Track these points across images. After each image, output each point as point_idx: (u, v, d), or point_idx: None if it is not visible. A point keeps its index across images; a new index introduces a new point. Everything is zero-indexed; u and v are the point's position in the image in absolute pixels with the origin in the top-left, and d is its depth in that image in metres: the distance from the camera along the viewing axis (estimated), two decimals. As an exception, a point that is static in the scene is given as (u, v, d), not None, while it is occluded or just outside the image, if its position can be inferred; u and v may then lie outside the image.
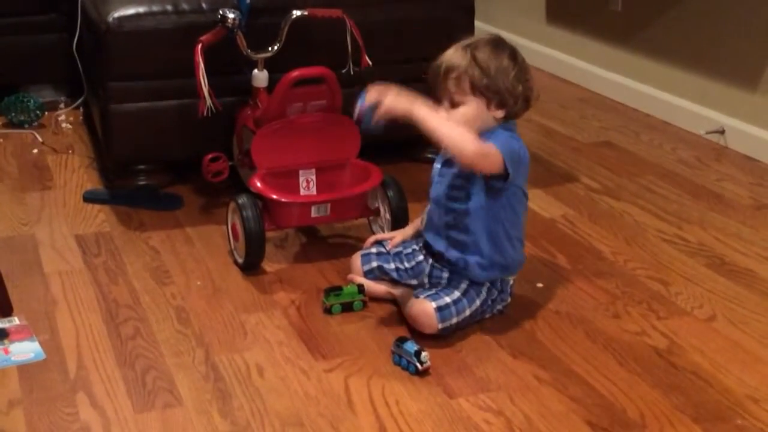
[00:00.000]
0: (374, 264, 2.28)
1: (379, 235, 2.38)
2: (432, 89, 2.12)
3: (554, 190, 2.98)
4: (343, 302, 2.20)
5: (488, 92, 2.07)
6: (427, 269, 2.21)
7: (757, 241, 2.63)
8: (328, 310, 2.21)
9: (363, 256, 2.31)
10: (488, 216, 2.12)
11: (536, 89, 2.13)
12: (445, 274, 2.19)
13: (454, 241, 2.16)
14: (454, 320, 2.11)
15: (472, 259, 2.14)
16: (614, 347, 2.10)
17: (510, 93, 2.08)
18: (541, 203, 2.87)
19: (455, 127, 2.03)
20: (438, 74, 2.09)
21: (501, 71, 2.07)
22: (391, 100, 2.01)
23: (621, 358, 2.06)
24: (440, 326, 2.09)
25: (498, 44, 2.11)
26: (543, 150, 3.35)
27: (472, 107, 2.08)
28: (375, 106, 2.01)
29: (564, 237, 2.66)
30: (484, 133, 2.06)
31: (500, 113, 2.10)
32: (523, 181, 2.15)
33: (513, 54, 2.11)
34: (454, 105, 2.09)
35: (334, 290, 2.22)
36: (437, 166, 2.20)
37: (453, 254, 2.16)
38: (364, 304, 2.22)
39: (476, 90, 2.07)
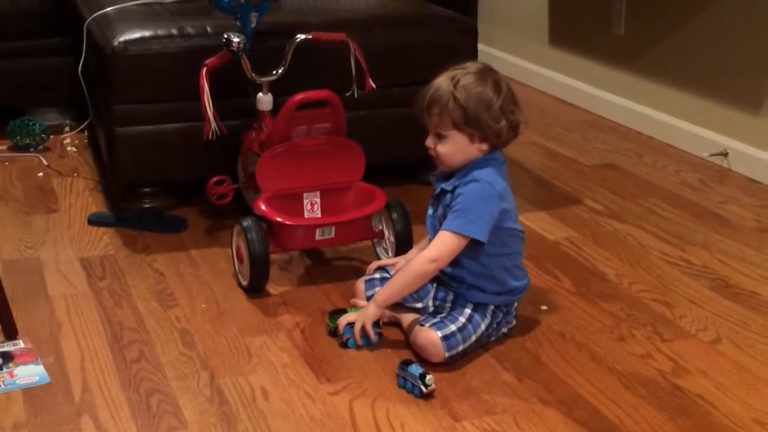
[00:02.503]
0: (378, 289, 2.26)
1: (382, 261, 2.38)
2: (418, 117, 2.15)
3: (558, 213, 2.98)
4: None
5: (469, 129, 2.08)
6: (432, 291, 2.21)
7: (762, 264, 2.63)
8: (332, 333, 2.21)
9: (366, 281, 2.31)
10: (480, 255, 2.12)
11: (524, 117, 2.13)
12: (450, 296, 2.20)
13: (450, 276, 2.17)
14: (461, 347, 2.10)
15: (472, 291, 2.16)
16: (619, 370, 2.10)
17: (492, 128, 2.08)
18: (545, 225, 2.87)
19: (406, 276, 2.12)
20: (422, 107, 2.12)
21: (483, 106, 2.06)
22: (359, 322, 2.14)
23: (626, 381, 2.06)
24: (447, 355, 2.09)
25: (482, 75, 2.10)
26: (547, 172, 3.35)
27: (455, 141, 2.10)
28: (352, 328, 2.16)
29: (568, 259, 2.66)
30: (467, 165, 2.11)
31: (484, 146, 2.11)
32: (511, 222, 2.16)
33: (497, 85, 2.09)
34: (439, 136, 2.12)
35: (339, 313, 2.22)
36: (429, 212, 2.22)
37: (453, 286, 2.19)
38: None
39: (457, 126, 2.08)
